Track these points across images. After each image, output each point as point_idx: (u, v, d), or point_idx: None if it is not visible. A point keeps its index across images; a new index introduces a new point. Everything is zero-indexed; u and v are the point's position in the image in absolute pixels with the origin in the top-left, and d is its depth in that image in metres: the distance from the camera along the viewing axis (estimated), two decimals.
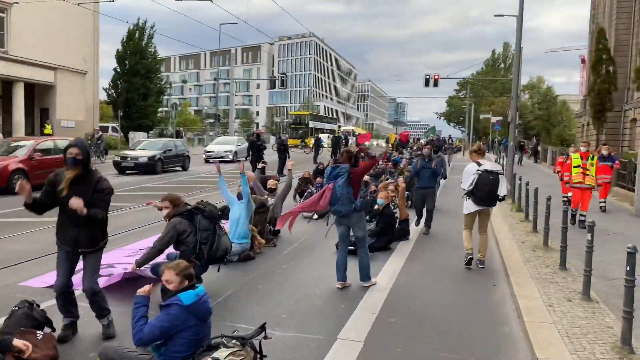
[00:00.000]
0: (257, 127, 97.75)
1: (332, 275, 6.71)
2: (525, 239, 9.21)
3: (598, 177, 11.65)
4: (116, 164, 20.39)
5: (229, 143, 29.80)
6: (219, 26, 40.90)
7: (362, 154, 7.15)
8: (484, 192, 7.07)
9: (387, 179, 16.05)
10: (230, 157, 27.63)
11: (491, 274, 7.23)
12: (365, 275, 6.36)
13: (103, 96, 39.54)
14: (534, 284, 6.36)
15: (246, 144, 27.14)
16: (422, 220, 10.22)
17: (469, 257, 7.44)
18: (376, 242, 8.35)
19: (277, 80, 39.32)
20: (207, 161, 27.14)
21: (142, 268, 5.41)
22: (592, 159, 10.93)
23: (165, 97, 59.36)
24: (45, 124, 29.94)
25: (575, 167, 10.85)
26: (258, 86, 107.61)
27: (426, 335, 4.82)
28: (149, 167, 20.32)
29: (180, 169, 22.82)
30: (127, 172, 19.99)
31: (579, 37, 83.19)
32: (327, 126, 62.52)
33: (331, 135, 43.30)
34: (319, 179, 12.10)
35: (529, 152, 40.11)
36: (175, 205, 5.48)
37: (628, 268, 4.29)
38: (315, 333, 4.75)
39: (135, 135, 33.79)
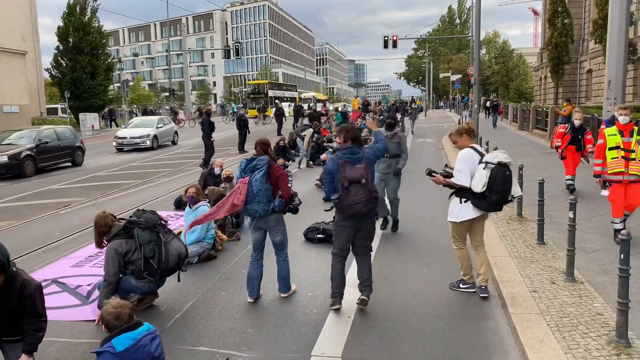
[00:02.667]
0: (215, 98, 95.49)
1: (303, 272, 6.25)
2: None
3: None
4: None
5: (146, 125, 23.66)
6: None
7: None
8: (500, 194, 5.06)
9: None
10: (149, 142, 22.15)
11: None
12: (285, 285, 5.48)
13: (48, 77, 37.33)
14: (514, 264, 6.04)
15: (171, 125, 25.19)
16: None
17: (474, 289, 5.47)
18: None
19: (231, 50, 37.91)
20: (119, 150, 22.04)
21: None
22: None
23: (117, 72, 56.83)
24: None
25: (611, 148, 6.80)
26: (213, 55, 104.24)
27: (407, 341, 4.40)
28: (11, 170, 14.91)
29: (69, 164, 17.49)
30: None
31: None
32: (287, 94, 61.26)
33: (292, 104, 42.29)
34: (280, 160, 11.44)
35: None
36: (108, 225, 4.88)
37: (622, 256, 3.93)
38: (287, 350, 4.27)
39: (86, 117, 32.16)
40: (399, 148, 7.89)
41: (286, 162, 13.45)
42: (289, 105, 49.17)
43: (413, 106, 32.59)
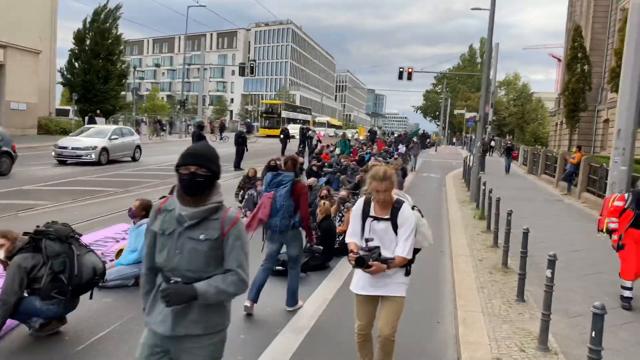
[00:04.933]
0: (231, 115, 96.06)
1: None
2: (484, 256, 8.20)
3: None
4: None
5: (97, 135, 19.65)
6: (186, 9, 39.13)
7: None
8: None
9: (349, 181, 15.00)
10: (94, 156, 18.27)
11: (438, 304, 6.17)
12: (292, 299, 5.62)
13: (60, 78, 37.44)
14: (484, 323, 5.31)
15: (132, 137, 21.59)
16: None
17: None
18: (312, 259, 7.23)
19: (246, 68, 37.82)
20: (61, 162, 18.32)
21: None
22: None
23: (137, 80, 57.39)
24: None
25: None
26: (233, 73, 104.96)
27: None
28: None
29: None
30: None
31: (559, 35, 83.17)
32: (300, 116, 61.24)
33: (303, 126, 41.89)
34: (311, 180, 10.80)
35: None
36: (12, 239, 4.27)
37: (593, 334, 3.22)
38: None
39: (96, 121, 31.95)
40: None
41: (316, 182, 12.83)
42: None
43: (415, 140, 31.69)
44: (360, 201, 3.80)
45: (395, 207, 3.62)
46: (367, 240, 3.60)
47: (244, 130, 21.87)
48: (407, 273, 3.77)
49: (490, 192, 10.40)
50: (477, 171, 14.44)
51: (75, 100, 33.07)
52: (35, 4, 32.20)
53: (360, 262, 3.43)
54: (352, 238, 3.72)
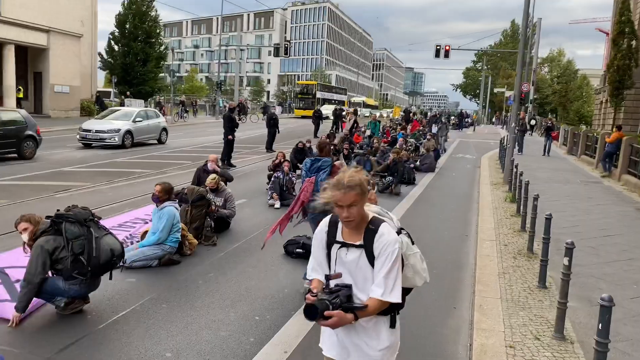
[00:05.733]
0: (268, 96, 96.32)
1: (263, 288, 5.70)
2: (510, 241, 8.05)
3: None
4: None
5: (122, 117, 19.67)
6: None
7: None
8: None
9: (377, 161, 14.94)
10: (117, 139, 18.24)
11: (456, 288, 6.13)
12: None
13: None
14: (501, 309, 5.25)
15: (157, 119, 21.38)
16: None
17: None
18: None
19: (281, 48, 37.80)
20: (85, 145, 18.41)
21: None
22: None
23: (176, 62, 58.13)
24: (19, 88, 29.04)
25: None
26: (269, 53, 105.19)
27: None
28: None
29: (14, 155, 14.55)
30: None
31: (607, 8, 78.68)
32: (335, 96, 60.83)
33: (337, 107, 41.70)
34: (287, 165, 10.80)
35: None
36: (35, 223, 4.50)
37: (600, 326, 3.15)
38: None
39: (130, 102, 32.77)
40: None
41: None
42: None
43: (443, 120, 30.85)
44: (324, 222, 2.66)
45: (370, 228, 2.48)
46: (327, 278, 2.51)
47: (275, 112, 21.83)
48: (392, 324, 2.56)
49: (521, 174, 10.14)
50: (512, 152, 14.07)
51: (115, 83, 33.93)
52: None
53: (310, 313, 2.26)
54: (314, 273, 2.64)
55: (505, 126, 50.41)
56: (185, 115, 36.64)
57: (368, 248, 2.47)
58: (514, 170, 11.61)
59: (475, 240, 8.22)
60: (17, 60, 28.60)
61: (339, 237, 2.56)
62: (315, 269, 2.65)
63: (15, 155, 14.52)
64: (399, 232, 2.58)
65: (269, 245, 6.44)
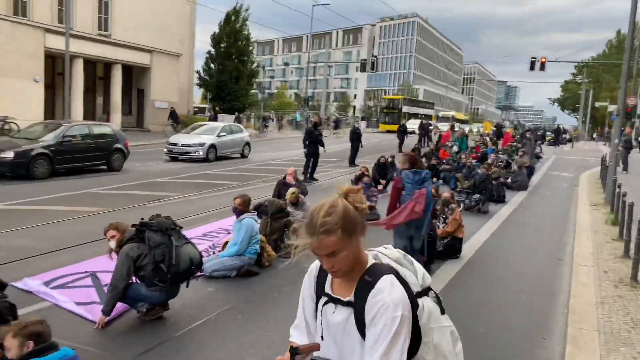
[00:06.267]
0: (354, 111, 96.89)
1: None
2: (611, 267, 7.33)
3: None
4: None
5: (207, 132, 20.25)
6: (311, 8, 40.23)
7: None
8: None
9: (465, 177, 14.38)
10: (202, 153, 18.64)
11: (547, 317, 5.64)
12: None
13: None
14: (598, 344, 4.74)
15: (241, 134, 21.72)
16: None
17: None
18: None
19: (367, 63, 37.92)
20: (172, 158, 18.85)
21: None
22: None
23: (267, 79, 60.54)
24: None
25: None
26: (357, 69, 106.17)
27: None
28: (16, 171, 12.52)
29: (103, 167, 15.20)
30: None
31: None
32: (422, 111, 59.83)
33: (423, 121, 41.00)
34: (368, 180, 10.67)
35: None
36: (122, 231, 4.73)
37: None
38: None
39: (224, 118, 34.37)
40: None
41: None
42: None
43: (527, 136, 29.24)
44: (315, 264, 1.95)
45: (365, 281, 1.74)
46: (293, 353, 1.71)
47: (359, 127, 21.79)
48: None
49: (624, 195, 9.26)
50: (614, 170, 12.95)
51: (209, 99, 35.79)
52: (177, 11, 35.37)
53: None
54: (296, 331, 2.02)
55: (607, 143, 46.80)
56: (265, 130, 37.54)
57: (358, 309, 1.72)
58: (617, 190, 10.64)
59: (571, 265, 7.58)
60: (123, 78, 31.05)
61: (327, 288, 1.85)
62: (298, 326, 1.99)
63: (105, 167, 15.27)
64: (421, 294, 1.79)
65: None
